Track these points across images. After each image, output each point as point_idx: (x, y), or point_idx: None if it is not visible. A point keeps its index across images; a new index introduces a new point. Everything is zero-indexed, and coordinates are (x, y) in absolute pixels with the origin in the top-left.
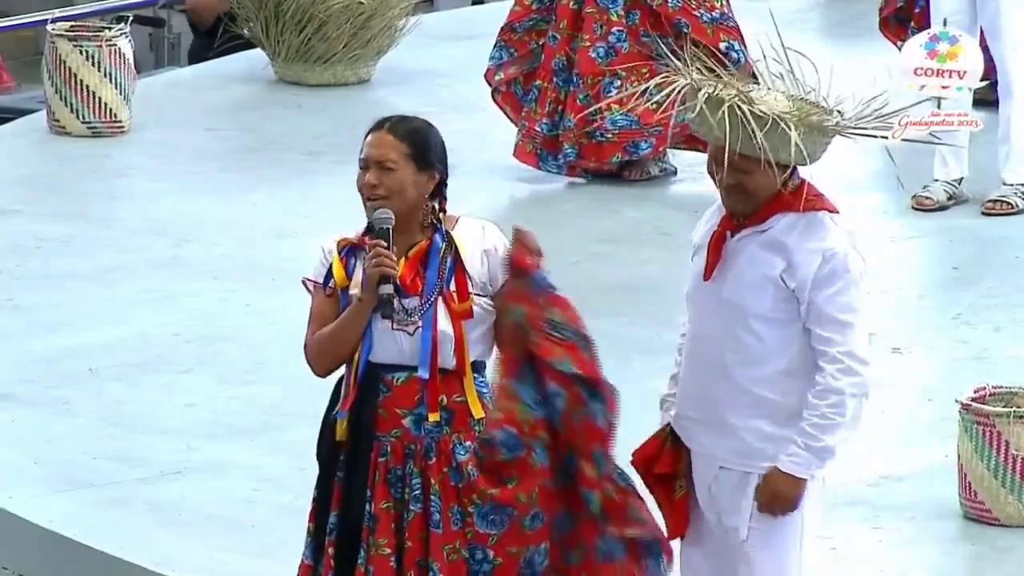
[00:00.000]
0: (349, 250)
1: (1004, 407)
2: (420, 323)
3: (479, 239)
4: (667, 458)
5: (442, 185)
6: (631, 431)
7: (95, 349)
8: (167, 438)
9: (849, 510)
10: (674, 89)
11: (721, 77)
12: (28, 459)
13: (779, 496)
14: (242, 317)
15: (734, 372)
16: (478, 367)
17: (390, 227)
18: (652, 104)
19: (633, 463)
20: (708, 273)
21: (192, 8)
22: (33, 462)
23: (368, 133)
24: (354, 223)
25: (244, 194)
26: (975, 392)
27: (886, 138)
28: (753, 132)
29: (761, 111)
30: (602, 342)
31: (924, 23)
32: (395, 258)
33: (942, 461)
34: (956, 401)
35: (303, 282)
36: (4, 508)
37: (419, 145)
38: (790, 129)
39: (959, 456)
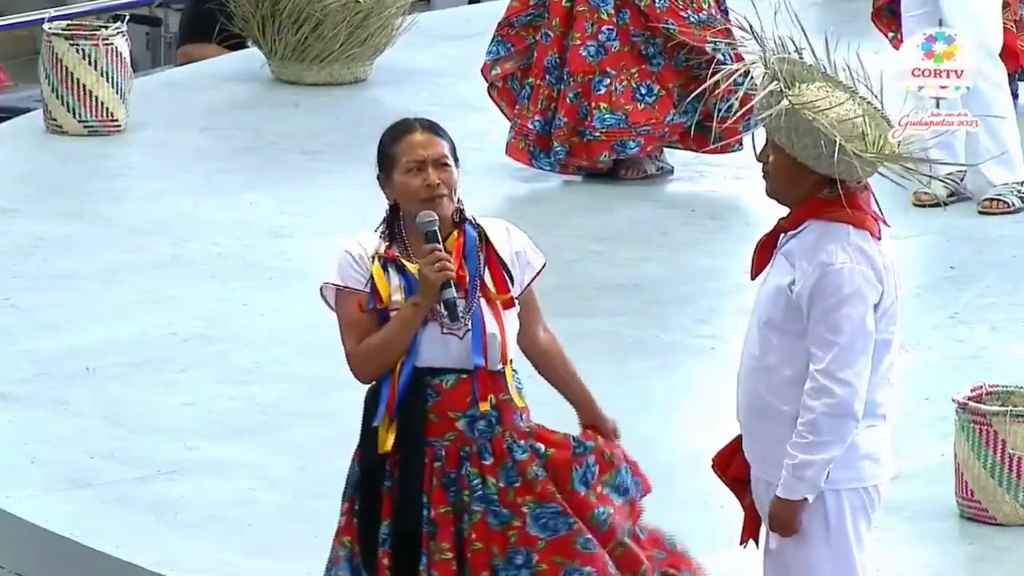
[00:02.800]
0: (385, 263)
1: (1001, 406)
2: (469, 325)
3: (506, 239)
4: (740, 461)
5: None
6: (631, 431)
7: (93, 349)
8: (166, 438)
9: None
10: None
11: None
12: (26, 459)
13: (773, 518)
14: (241, 316)
15: (752, 377)
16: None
17: (437, 228)
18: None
19: (713, 466)
20: (753, 272)
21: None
22: (31, 462)
23: (399, 138)
24: (351, 221)
25: (242, 193)
26: (972, 391)
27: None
28: (791, 132)
29: (812, 116)
30: (599, 341)
31: None
32: (452, 260)
33: (939, 460)
34: (953, 400)
35: (323, 288)
36: (2, 508)
37: (452, 141)
38: (828, 146)
39: (956, 455)
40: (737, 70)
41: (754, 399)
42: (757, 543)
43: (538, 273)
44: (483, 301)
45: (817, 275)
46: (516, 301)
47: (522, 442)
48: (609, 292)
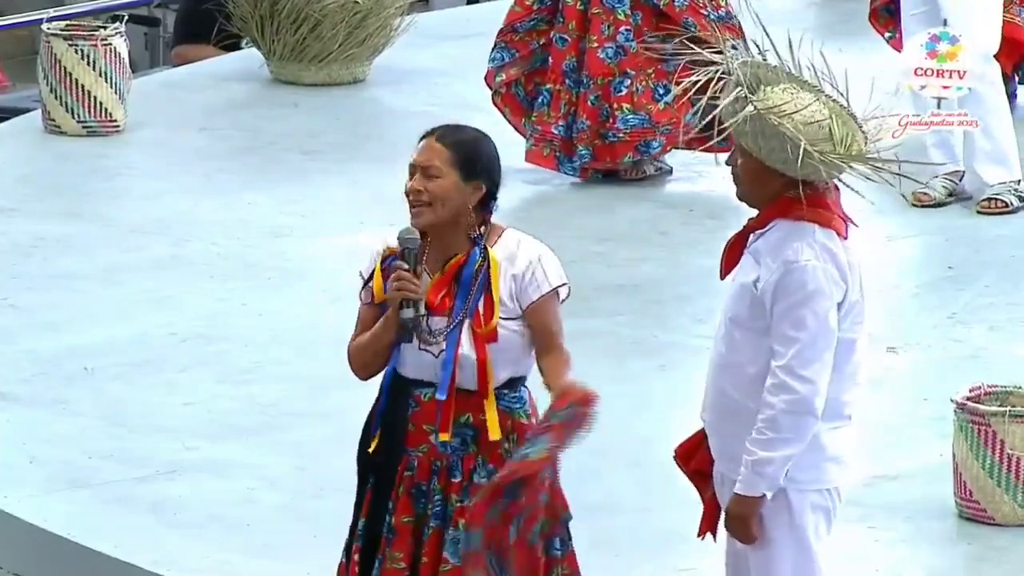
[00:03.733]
0: (391, 260)
1: (999, 406)
2: (444, 344)
3: (511, 259)
4: (703, 455)
5: (490, 198)
6: (629, 431)
7: (93, 349)
8: (165, 438)
9: (844, 510)
10: (714, 80)
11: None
12: (25, 459)
13: (730, 514)
14: (240, 316)
15: (718, 374)
16: (513, 383)
17: (415, 248)
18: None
19: (675, 457)
20: (722, 272)
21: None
22: (30, 462)
23: (420, 140)
24: (351, 221)
25: (241, 193)
26: (970, 391)
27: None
28: (757, 136)
29: (778, 120)
30: (599, 341)
31: None
32: (417, 282)
33: (937, 460)
34: (951, 400)
35: (360, 274)
36: (1, 508)
37: (467, 154)
38: (794, 150)
39: (954, 455)
40: (710, 74)
41: (720, 396)
42: (715, 536)
43: (548, 294)
44: (467, 327)
45: (781, 272)
46: (512, 327)
47: (491, 466)
48: (608, 292)
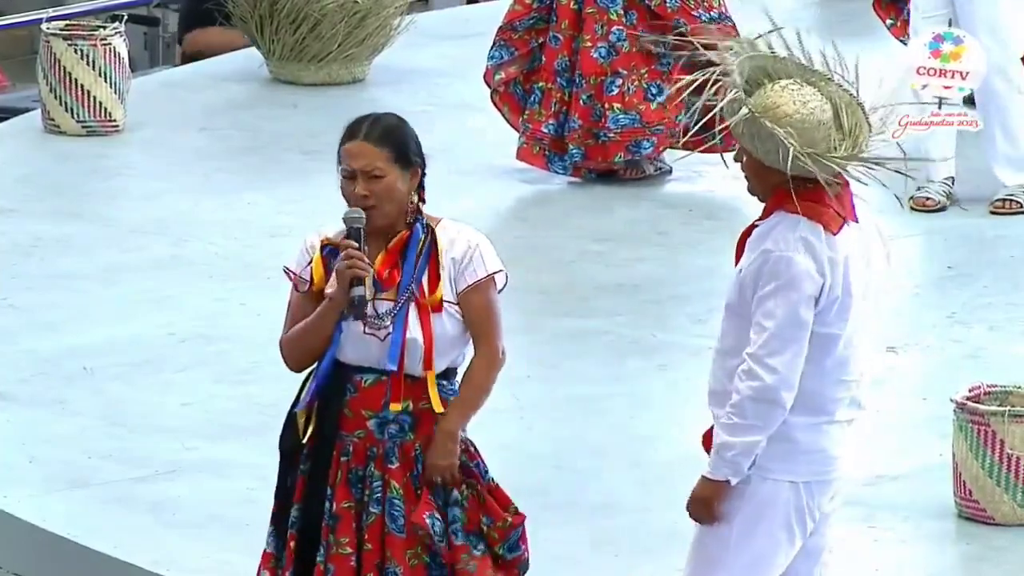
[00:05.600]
0: (331, 250)
1: (999, 406)
2: (391, 328)
3: (451, 243)
4: None
5: (422, 177)
6: (627, 431)
7: (92, 349)
8: (165, 437)
9: (844, 510)
10: (718, 83)
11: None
12: (24, 458)
13: (693, 495)
14: (239, 316)
15: (713, 361)
16: (448, 373)
17: (361, 227)
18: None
19: (703, 443)
20: (735, 262)
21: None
22: (30, 461)
23: (344, 141)
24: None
25: (240, 193)
26: (970, 391)
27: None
28: (753, 137)
29: (776, 130)
30: (598, 341)
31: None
32: (367, 260)
33: (937, 460)
34: (951, 400)
35: (284, 270)
36: (1, 508)
37: (399, 146)
38: (785, 153)
39: (954, 455)
40: (709, 74)
41: (713, 382)
42: None
43: (484, 279)
44: (414, 306)
45: (759, 261)
46: (453, 312)
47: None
48: (607, 292)
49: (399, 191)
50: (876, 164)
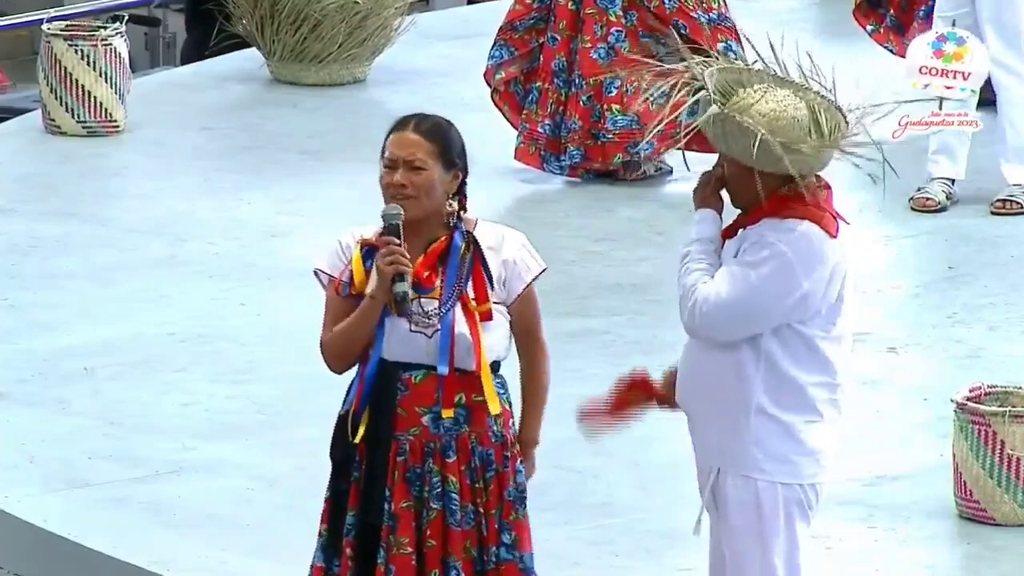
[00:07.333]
0: (368, 251)
1: (999, 406)
2: (439, 326)
3: (498, 249)
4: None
5: (463, 184)
6: (629, 431)
7: (91, 348)
8: (163, 437)
9: (844, 509)
10: (676, 85)
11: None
12: (24, 458)
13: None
14: (238, 316)
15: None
16: (494, 367)
17: (400, 223)
18: (654, 102)
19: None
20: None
21: None
22: (29, 461)
23: (391, 132)
24: (349, 222)
25: (240, 193)
26: (970, 391)
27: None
28: (727, 137)
29: (744, 120)
30: (598, 341)
31: (900, 9)
32: (408, 255)
33: (937, 460)
34: (951, 400)
35: (315, 272)
36: (0, 508)
37: (445, 144)
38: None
39: (954, 456)
40: (674, 80)
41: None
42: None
43: (535, 278)
44: (460, 308)
45: (758, 244)
46: (501, 311)
47: (480, 448)
48: (607, 292)
49: (437, 189)
50: (847, 153)
